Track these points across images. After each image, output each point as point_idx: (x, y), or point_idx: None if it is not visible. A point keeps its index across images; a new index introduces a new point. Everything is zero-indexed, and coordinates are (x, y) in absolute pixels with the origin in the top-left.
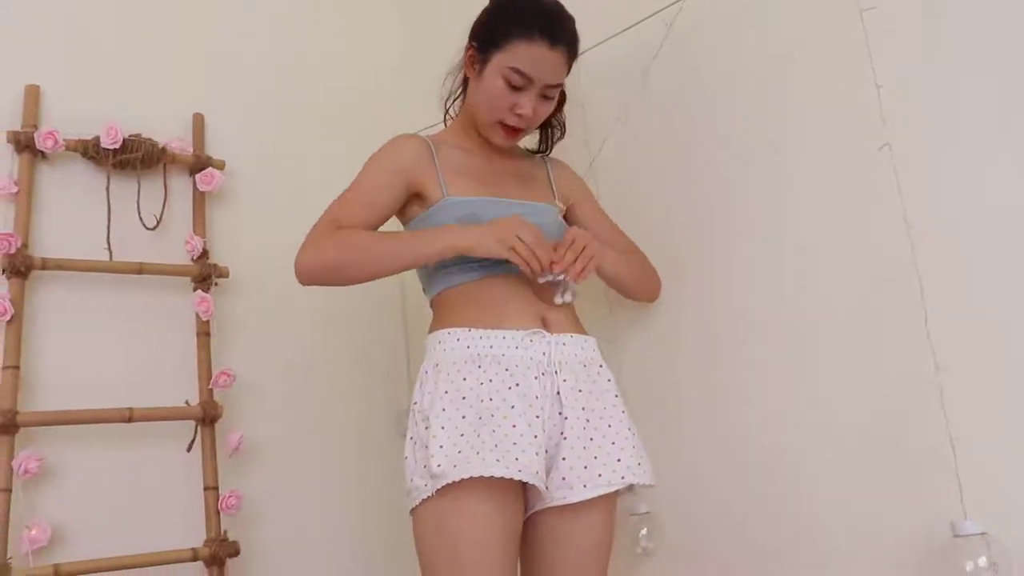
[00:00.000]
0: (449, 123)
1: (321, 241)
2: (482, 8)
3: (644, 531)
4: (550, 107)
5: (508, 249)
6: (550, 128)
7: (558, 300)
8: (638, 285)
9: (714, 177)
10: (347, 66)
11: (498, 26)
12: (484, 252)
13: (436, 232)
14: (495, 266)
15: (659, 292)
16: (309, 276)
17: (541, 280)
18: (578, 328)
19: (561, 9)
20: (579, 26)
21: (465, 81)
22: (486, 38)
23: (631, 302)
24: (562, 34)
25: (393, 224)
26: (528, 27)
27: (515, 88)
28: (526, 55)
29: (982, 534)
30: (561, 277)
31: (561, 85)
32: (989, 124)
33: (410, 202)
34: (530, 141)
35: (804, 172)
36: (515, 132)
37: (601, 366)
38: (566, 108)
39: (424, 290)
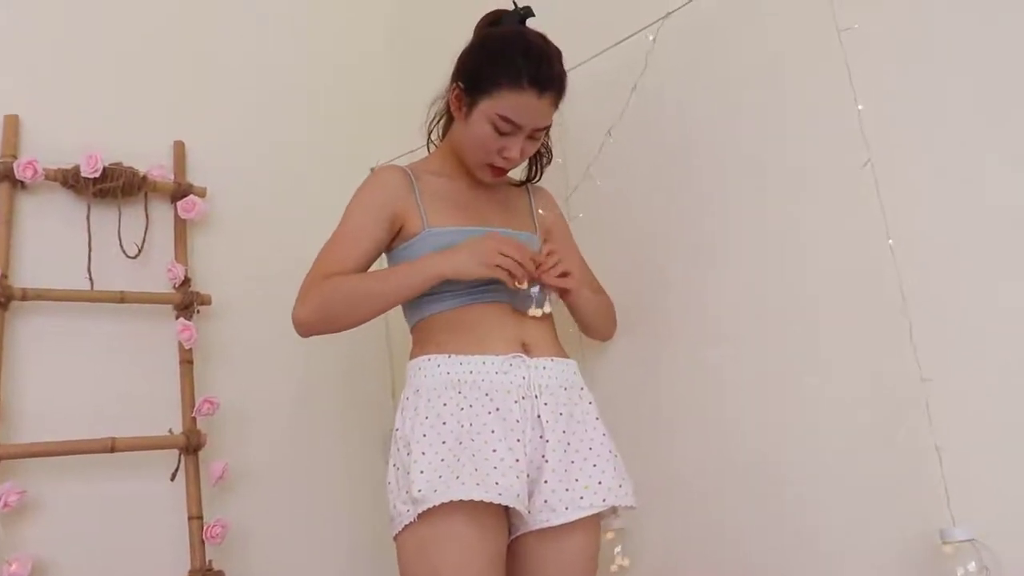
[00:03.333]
0: (432, 149)
1: (312, 294)
2: (467, 41)
3: (619, 548)
4: (537, 146)
5: (493, 267)
6: (538, 156)
7: (535, 312)
8: (601, 325)
9: (697, 194)
10: (329, 93)
11: (485, 71)
12: (469, 276)
13: (419, 263)
14: (474, 293)
15: (614, 334)
16: (307, 329)
17: (521, 291)
18: (559, 351)
19: (547, 48)
20: (563, 43)
21: (448, 109)
22: (473, 82)
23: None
24: (550, 81)
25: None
26: (516, 76)
27: (503, 134)
28: (515, 104)
29: (971, 540)
30: (536, 290)
31: (547, 128)
32: (969, 139)
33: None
34: (518, 170)
35: (787, 189)
36: (502, 172)
37: (582, 388)
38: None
39: (405, 318)
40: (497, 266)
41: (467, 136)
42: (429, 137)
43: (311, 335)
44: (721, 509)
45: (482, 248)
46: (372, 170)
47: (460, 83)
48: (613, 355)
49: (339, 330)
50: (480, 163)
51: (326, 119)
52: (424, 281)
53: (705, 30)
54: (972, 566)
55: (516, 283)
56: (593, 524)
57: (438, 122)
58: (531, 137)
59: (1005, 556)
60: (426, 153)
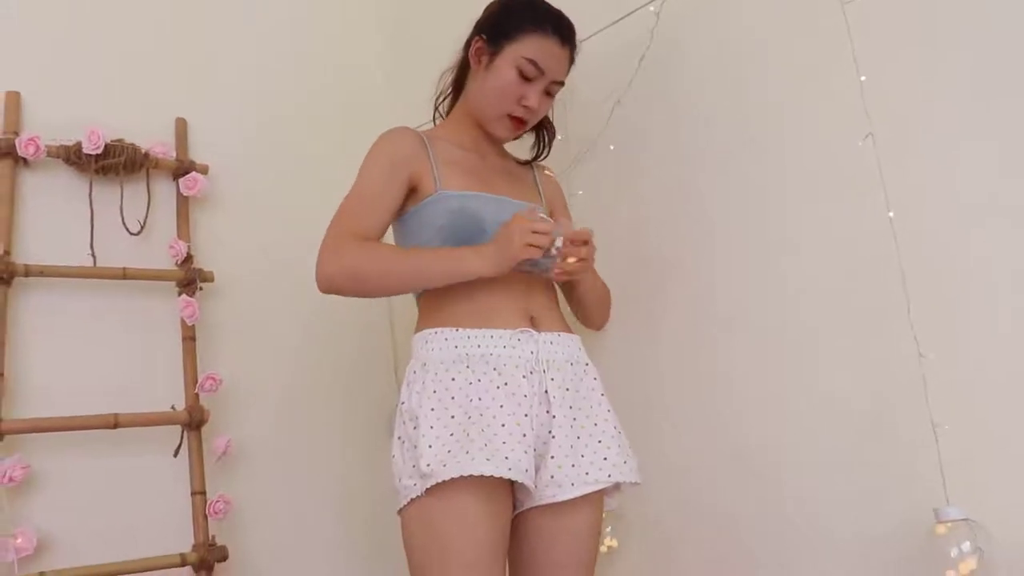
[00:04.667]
0: (439, 121)
1: (344, 250)
2: (469, 9)
3: (608, 528)
4: (550, 104)
5: (527, 249)
6: (544, 130)
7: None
8: (599, 312)
9: (697, 170)
10: (329, 69)
11: (511, 19)
12: (509, 269)
13: (460, 255)
14: None
15: (606, 324)
16: (330, 283)
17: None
18: (564, 327)
19: (562, 13)
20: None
21: (456, 82)
22: (497, 30)
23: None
24: (570, 35)
25: None
26: (542, 22)
27: (526, 79)
28: (540, 47)
29: (965, 520)
30: (559, 244)
31: (563, 85)
32: (971, 114)
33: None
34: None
35: (787, 163)
36: (521, 124)
37: (587, 364)
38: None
39: None
40: (530, 246)
41: (488, 87)
42: (437, 110)
43: (332, 291)
44: (715, 490)
45: (511, 240)
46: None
47: (482, 35)
48: (610, 337)
49: (360, 294)
50: (500, 114)
51: (327, 95)
52: (465, 279)
53: (708, 4)
54: (966, 545)
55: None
56: (598, 500)
57: (446, 97)
58: (547, 93)
59: (999, 535)
60: (431, 126)
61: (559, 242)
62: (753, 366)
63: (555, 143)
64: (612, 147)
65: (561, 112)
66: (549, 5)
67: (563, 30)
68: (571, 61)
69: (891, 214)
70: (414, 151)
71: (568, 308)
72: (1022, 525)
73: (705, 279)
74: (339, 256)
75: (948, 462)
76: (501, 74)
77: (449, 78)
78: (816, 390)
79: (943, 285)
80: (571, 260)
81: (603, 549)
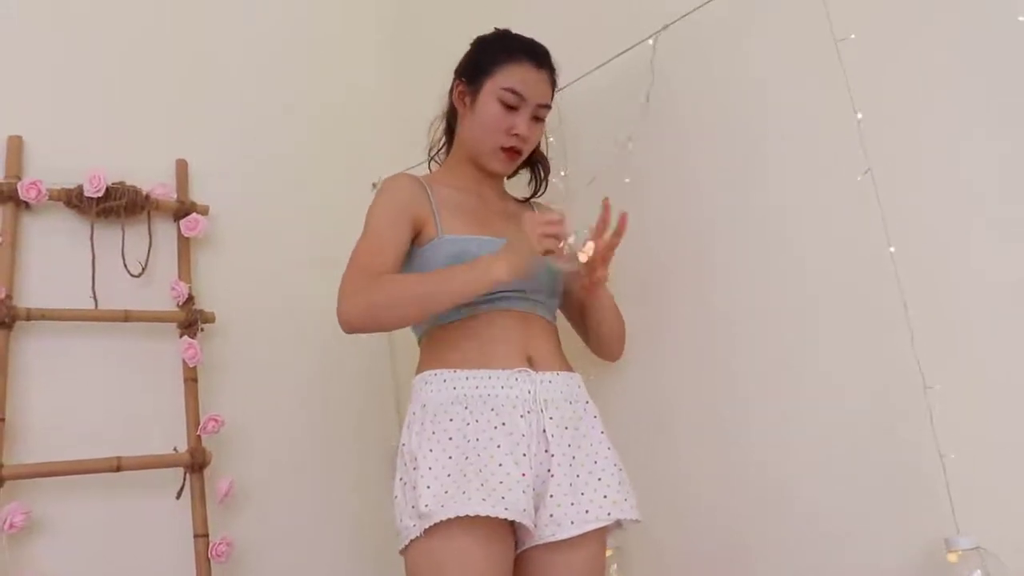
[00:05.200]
0: (435, 168)
1: (360, 292)
2: (467, 45)
3: (615, 566)
4: (541, 130)
5: (543, 239)
6: (539, 164)
7: (583, 254)
8: (614, 340)
9: (697, 205)
10: (330, 109)
11: (485, 55)
12: (526, 270)
13: (476, 264)
14: (486, 303)
15: (622, 354)
16: (354, 327)
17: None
18: (563, 365)
19: (536, 41)
20: (561, 58)
21: (448, 129)
22: (475, 69)
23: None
24: (545, 58)
25: None
26: (514, 51)
27: (510, 108)
28: (517, 75)
29: (976, 548)
30: (572, 239)
31: (549, 107)
32: (968, 145)
33: None
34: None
35: (789, 198)
36: (515, 155)
37: (587, 402)
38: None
39: (412, 329)
40: (544, 236)
41: (476, 125)
42: (432, 157)
43: (356, 332)
44: (725, 520)
45: (526, 235)
46: (375, 185)
47: (462, 77)
48: (617, 367)
49: (385, 329)
50: (493, 148)
51: (327, 136)
52: (487, 288)
53: (702, 43)
54: (978, 574)
55: (560, 247)
56: (599, 538)
57: (440, 148)
58: (536, 118)
59: (1011, 564)
60: (427, 171)
61: (573, 239)
62: (758, 399)
63: (557, 179)
64: (611, 182)
65: (560, 146)
66: (520, 36)
67: (537, 55)
68: (552, 84)
69: (892, 249)
70: (415, 196)
71: (582, 343)
72: None
73: (708, 314)
74: (354, 299)
75: (957, 491)
76: (486, 109)
77: (440, 127)
78: (822, 423)
79: (946, 316)
80: (590, 244)
81: None
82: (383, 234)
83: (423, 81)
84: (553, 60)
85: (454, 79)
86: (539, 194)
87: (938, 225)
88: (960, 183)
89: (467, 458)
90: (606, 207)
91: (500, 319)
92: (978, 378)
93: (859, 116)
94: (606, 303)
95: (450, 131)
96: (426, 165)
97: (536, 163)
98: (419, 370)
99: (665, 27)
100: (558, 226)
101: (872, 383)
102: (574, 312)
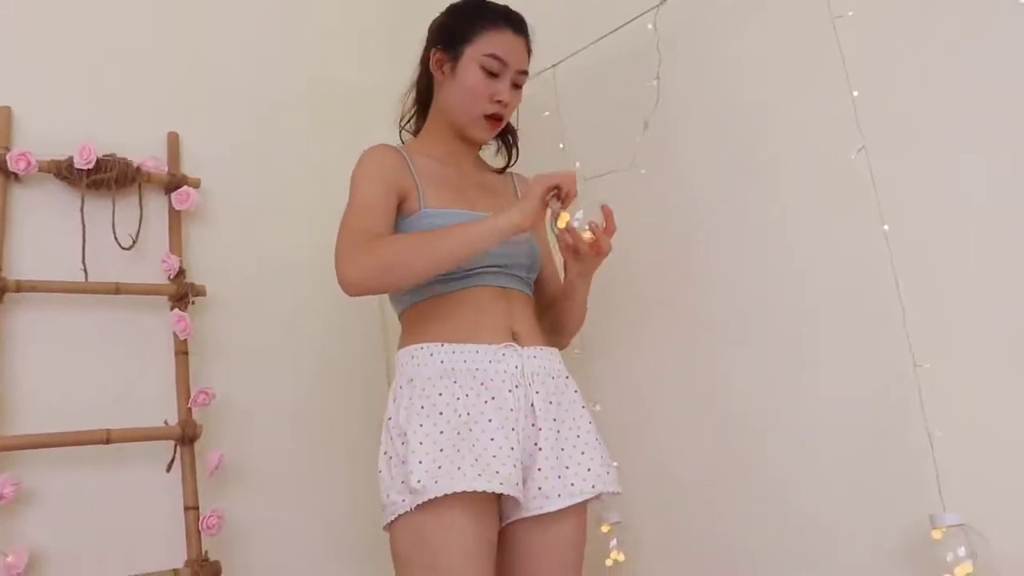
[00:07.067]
0: (408, 140)
1: (367, 249)
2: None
3: (614, 542)
4: (519, 97)
5: (547, 192)
6: (508, 134)
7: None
8: (571, 330)
9: (690, 184)
10: (322, 83)
11: (463, 22)
12: (532, 220)
13: (485, 220)
14: (465, 277)
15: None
16: (359, 288)
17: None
18: (544, 340)
19: (512, 8)
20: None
21: (419, 99)
22: (453, 36)
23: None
24: (522, 24)
25: None
26: (494, 18)
27: (492, 75)
28: (498, 41)
29: (960, 525)
30: (581, 214)
31: (527, 74)
32: (963, 124)
33: None
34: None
35: (782, 176)
36: (496, 122)
37: (567, 377)
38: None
39: (392, 304)
40: (547, 189)
41: (457, 92)
42: (403, 127)
43: (360, 294)
44: (714, 499)
45: (533, 189)
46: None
47: (438, 45)
48: (611, 349)
49: (390, 290)
50: (475, 116)
51: (319, 109)
52: (506, 235)
53: (699, 20)
54: (961, 551)
55: (560, 210)
56: (583, 510)
57: (410, 118)
58: (515, 85)
59: (995, 540)
60: (399, 142)
61: (581, 214)
62: (748, 375)
63: (555, 153)
64: (605, 163)
65: (557, 125)
66: (495, 3)
67: (514, 22)
68: (529, 51)
69: (885, 227)
70: (397, 168)
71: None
72: (1017, 530)
73: (701, 292)
74: (362, 256)
75: (944, 468)
76: (468, 76)
77: (410, 98)
78: (813, 400)
79: (937, 295)
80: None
81: (608, 563)
82: (372, 200)
83: (416, 49)
84: (528, 28)
85: (428, 48)
86: (512, 163)
87: (932, 203)
88: (956, 161)
89: (459, 433)
90: (607, 214)
91: (483, 293)
92: (968, 357)
93: (855, 93)
94: (582, 297)
95: (421, 100)
96: (398, 136)
97: (506, 132)
98: (403, 344)
99: (662, 1)
100: (571, 182)
101: (862, 360)
102: (544, 296)
